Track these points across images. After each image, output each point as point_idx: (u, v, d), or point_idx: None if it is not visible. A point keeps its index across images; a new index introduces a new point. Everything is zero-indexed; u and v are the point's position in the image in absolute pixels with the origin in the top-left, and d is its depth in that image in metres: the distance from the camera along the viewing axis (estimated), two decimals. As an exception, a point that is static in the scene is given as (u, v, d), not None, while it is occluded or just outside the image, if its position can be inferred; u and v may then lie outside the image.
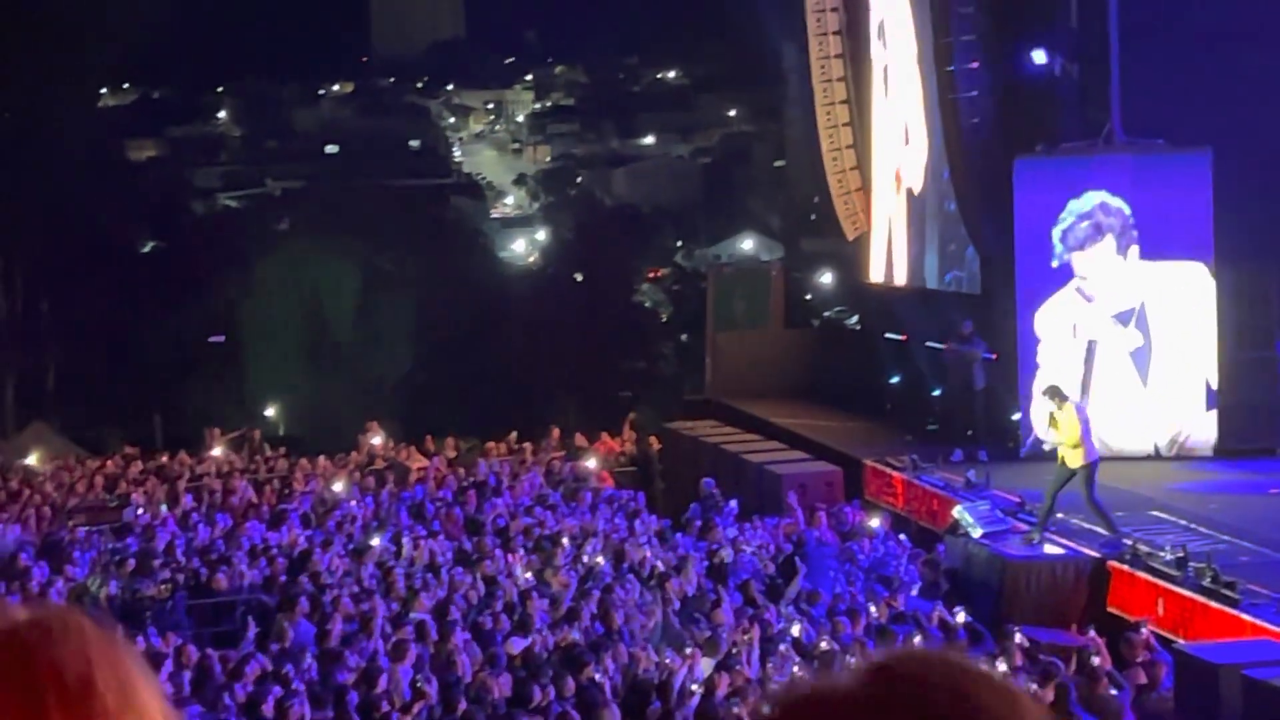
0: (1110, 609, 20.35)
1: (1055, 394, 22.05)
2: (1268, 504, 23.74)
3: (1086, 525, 22.54)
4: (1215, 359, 27.43)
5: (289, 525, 26.31)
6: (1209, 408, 27.42)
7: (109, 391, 60.27)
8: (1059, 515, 23.03)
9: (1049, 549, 21.77)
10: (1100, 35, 28.41)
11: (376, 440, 35.09)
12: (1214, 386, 27.39)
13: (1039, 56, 29.50)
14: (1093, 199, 27.86)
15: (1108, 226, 27.78)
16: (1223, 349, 27.54)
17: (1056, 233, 27.93)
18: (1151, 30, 28.47)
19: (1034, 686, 16.18)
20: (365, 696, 16.51)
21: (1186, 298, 27.55)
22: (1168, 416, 27.58)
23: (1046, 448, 25.49)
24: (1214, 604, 18.43)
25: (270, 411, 66.57)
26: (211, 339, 64.50)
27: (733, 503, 26.54)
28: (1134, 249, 27.78)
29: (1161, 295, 27.67)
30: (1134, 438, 27.30)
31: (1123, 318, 27.84)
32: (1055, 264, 27.95)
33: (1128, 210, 27.78)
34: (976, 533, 22.49)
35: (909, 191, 35.41)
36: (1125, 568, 20.43)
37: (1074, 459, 21.45)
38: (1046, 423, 22.14)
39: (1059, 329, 28.00)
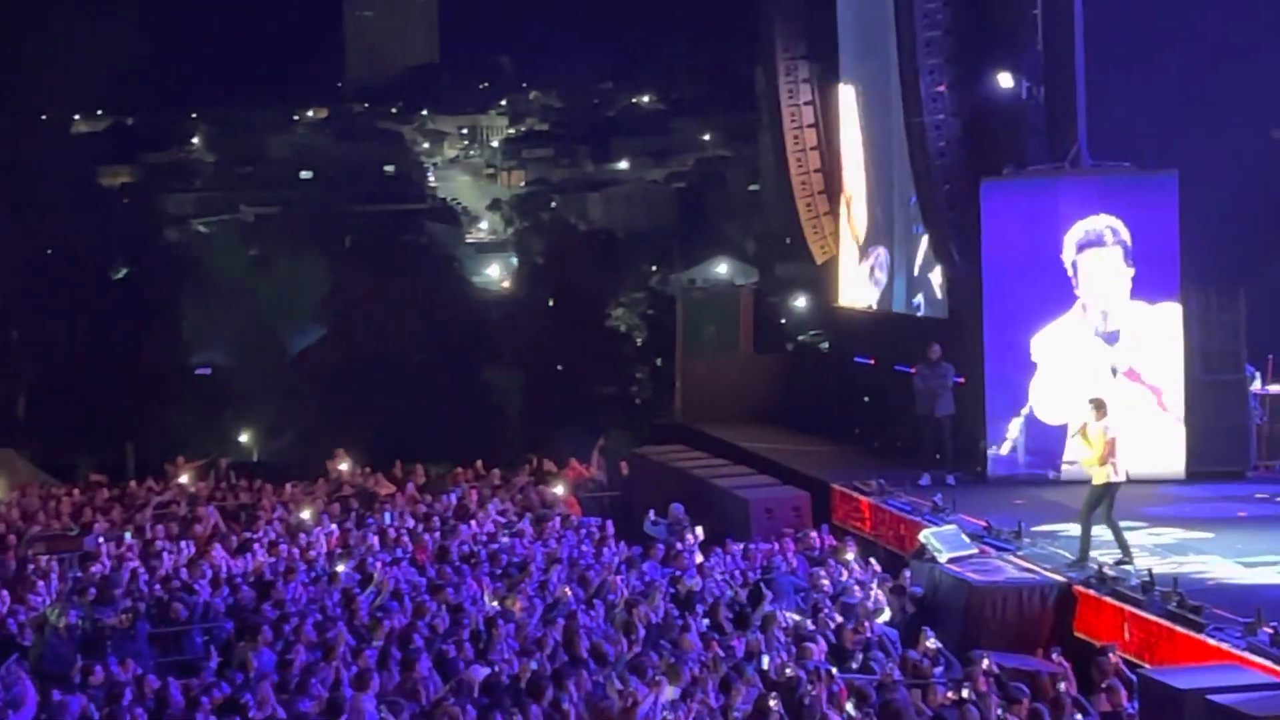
0: (1077, 634, 20.27)
1: (1099, 406, 21.80)
2: (1235, 527, 23.69)
3: (1054, 549, 22.50)
4: (1182, 382, 27.41)
5: (254, 553, 26.17)
6: (1176, 431, 27.37)
7: (80, 419, 59.98)
8: (1028, 539, 23.02)
9: (1015, 574, 21.69)
10: (1066, 58, 28.43)
11: (344, 467, 34.94)
12: (1181, 410, 27.37)
13: (1005, 80, 29.48)
14: (1103, 220, 27.84)
15: (1119, 240, 27.74)
16: (1190, 372, 27.52)
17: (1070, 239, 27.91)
18: (1118, 53, 28.53)
19: (1000, 713, 16.13)
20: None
21: (1153, 327, 27.52)
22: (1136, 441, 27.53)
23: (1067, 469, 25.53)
24: (1180, 628, 18.36)
25: (244, 438, 66.43)
26: (198, 371, 64.32)
27: (698, 530, 26.39)
28: (1129, 273, 27.75)
29: (1133, 322, 27.65)
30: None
31: (1109, 338, 27.84)
32: (1065, 261, 27.86)
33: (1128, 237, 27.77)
34: (943, 557, 22.42)
35: (877, 215, 35.38)
36: (1091, 592, 20.36)
37: (1100, 476, 21.34)
38: (1078, 434, 21.83)
39: (1060, 351, 27.94)
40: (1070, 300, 27.95)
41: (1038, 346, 28.02)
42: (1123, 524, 21.52)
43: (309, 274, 76.40)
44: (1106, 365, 27.54)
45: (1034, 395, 28.03)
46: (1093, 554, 21.39)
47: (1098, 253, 27.83)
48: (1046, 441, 27.63)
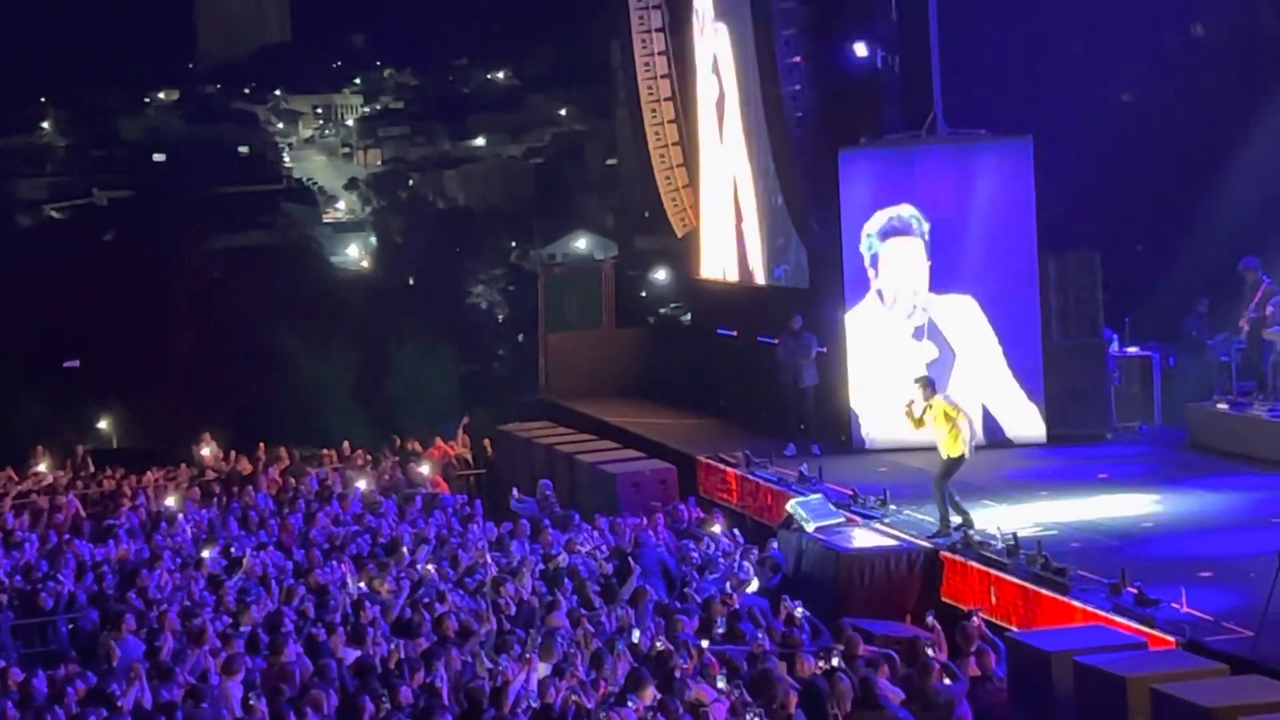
0: (944, 599, 20.40)
1: (926, 385, 21.91)
2: (1096, 489, 23.93)
3: (919, 515, 22.63)
4: (1039, 346, 27.65)
5: (116, 540, 25.85)
6: (1031, 398, 27.61)
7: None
8: (894, 506, 23.15)
9: (881, 541, 21.80)
10: (921, 27, 28.58)
11: (207, 451, 34.61)
12: (1037, 375, 27.61)
13: (861, 49, 29.65)
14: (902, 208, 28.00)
15: (918, 232, 27.91)
16: (1048, 336, 27.76)
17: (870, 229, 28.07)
18: (971, 21, 28.72)
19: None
20: (193, 713, 16.21)
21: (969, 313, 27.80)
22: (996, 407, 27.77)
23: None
24: (1045, 591, 18.52)
25: (103, 424, 65.64)
26: (66, 364, 63.39)
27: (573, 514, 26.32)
28: (927, 265, 27.96)
29: (950, 307, 27.88)
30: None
31: (916, 334, 28.03)
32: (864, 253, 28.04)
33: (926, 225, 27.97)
34: (810, 527, 22.49)
35: (736, 187, 35.42)
36: (957, 557, 20.49)
37: (954, 450, 21.44)
38: (911, 413, 21.87)
39: (864, 338, 28.19)
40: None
41: (852, 321, 28.24)
42: (987, 490, 21.66)
43: (165, 258, 75.52)
44: (922, 363, 27.72)
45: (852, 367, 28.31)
46: (955, 519, 21.51)
47: (898, 241, 28.00)
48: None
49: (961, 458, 21.47)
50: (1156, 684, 14.73)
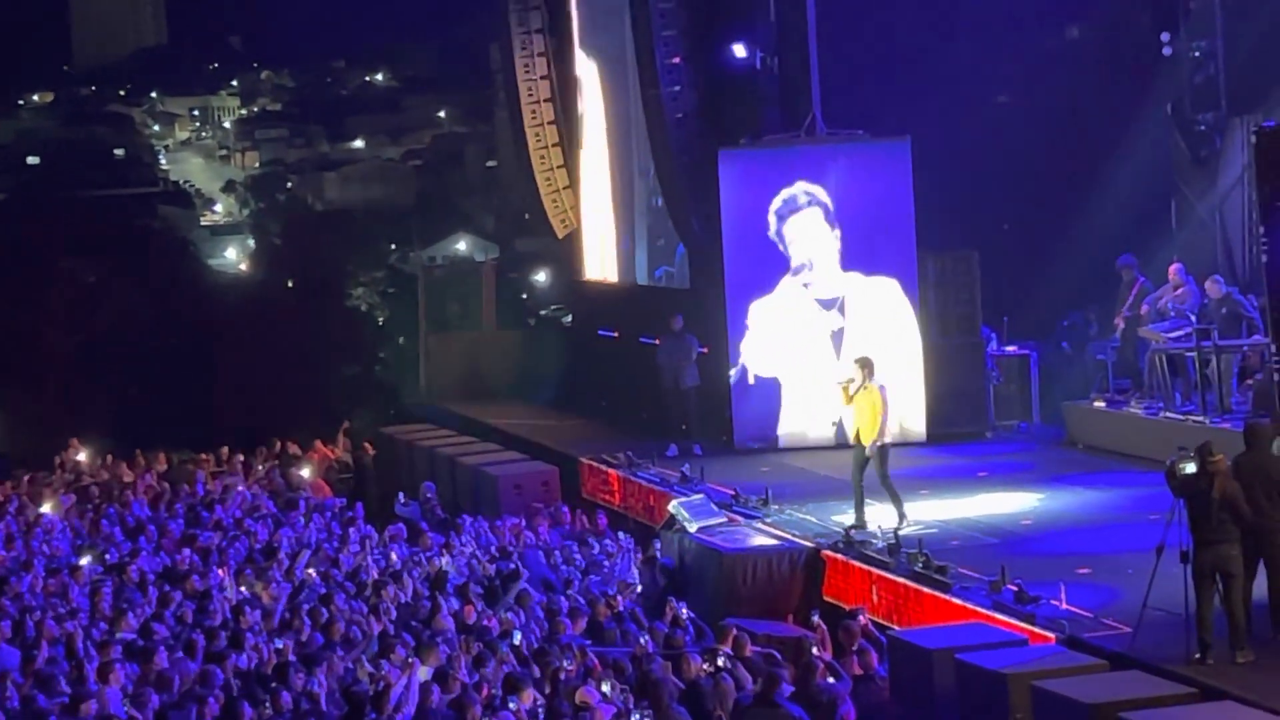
0: (826, 598, 20.45)
1: (866, 365, 21.71)
2: (976, 488, 24.07)
3: (801, 515, 22.69)
4: (920, 345, 27.77)
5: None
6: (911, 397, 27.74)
7: None
8: (776, 506, 23.18)
9: (763, 540, 21.81)
10: (799, 28, 28.71)
11: (81, 457, 34.21)
12: (919, 373, 27.73)
13: (740, 50, 29.74)
14: (801, 186, 28.04)
15: (817, 202, 27.96)
16: (927, 335, 27.90)
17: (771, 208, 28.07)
18: (850, 23, 28.88)
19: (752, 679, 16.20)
20: (71, 722, 16.01)
21: (884, 302, 27.86)
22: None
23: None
24: (926, 589, 18.60)
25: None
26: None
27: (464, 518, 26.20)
28: (838, 235, 27.97)
29: (861, 293, 27.95)
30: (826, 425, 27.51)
31: (826, 304, 28.09)
32: (771, 234, 28.04)
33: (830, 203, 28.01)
34: (692, 527, 22.49)
35: (616, 188, 35.42)
36: (839, 556, 20.54)
37: (868, 437, 21.45)
38: (846, 390, 21.78)
39: (776, 319, 28.17)
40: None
41: (756, 313, 28.24)
42: (867, 488, 21.71)
43: (39, 262, 74.59)
44: (826, 330, 27.84)
45: (747, 360, 28.30)
46: (856, 514, 21.59)
47: (798, 217, 28.05)
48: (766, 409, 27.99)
49: (885, 445, 21.53)
50: (1036, 680, 14.84)
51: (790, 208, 28.02)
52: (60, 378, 64.00)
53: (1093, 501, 22.79)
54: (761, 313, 28.19)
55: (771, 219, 28.01)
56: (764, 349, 28.15)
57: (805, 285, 28.08)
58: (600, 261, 37.11)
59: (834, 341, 27.78)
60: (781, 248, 28.08)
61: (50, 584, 22.63)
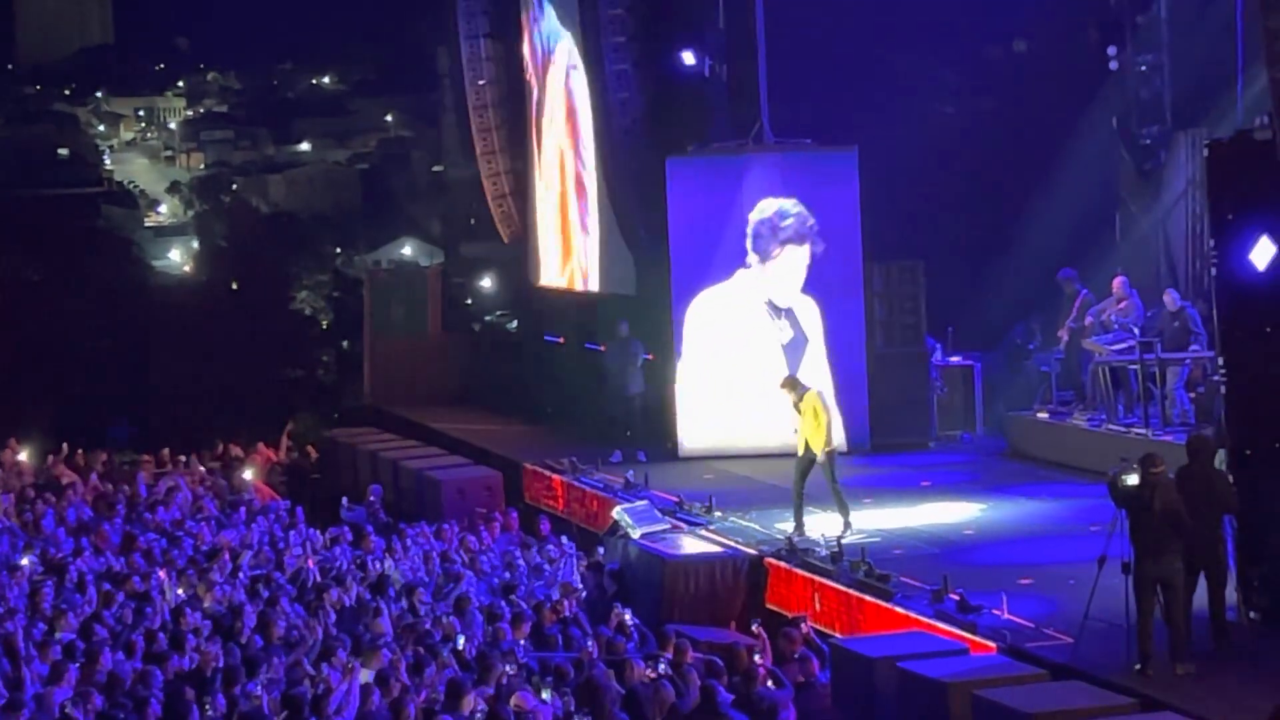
0: (769, 606, 20.47)
1: (793, 386, 21.95)
2: (919, 497, 24.13)
3: (744, 523, 22.71)
4: (864, 354, 27.84)
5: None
6: (855, 406, 27.78)
7: None
8: (719, 513, 23.19)
9: (707, 547, 21.81)
10: (748, 36, 28.76)
11: (21, 458, 34.00)
12: (862, 383, 27.78)
13: (688, 58, 29.80)
14: (773, 205, 28.04)
15: (803, 233, 27.98)
16: (872, 345, 27.97)
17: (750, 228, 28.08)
18: (798, 32, 28.93)
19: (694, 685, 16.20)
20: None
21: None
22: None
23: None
24: (868, 598, 18.63)
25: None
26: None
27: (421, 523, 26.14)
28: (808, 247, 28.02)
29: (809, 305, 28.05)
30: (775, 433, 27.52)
31: (776, 312, 28.13)
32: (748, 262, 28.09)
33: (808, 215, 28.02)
34: (636, 533, 22.47)
35: (564, 194, 35.40)
36: (782, 564, 20.55)
37: (817, 444, 21.47)
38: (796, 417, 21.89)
39: (724, 312, 28.17)
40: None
41: (704, 302, 28.25)
42: (810, 497, 21.76)
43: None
44: (775, 338, 27.88)
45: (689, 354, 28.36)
46: (794, 521, 21.63)
47: (795, 249, 28.06)
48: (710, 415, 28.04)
49: (833, 451, 21.59)
50: (978, 689, 14.87)
51: (792, 236, 27.99)
52: (0, 377, 63.58)
53: (1035, 512, 22.86)
54: (710, 302, 28.19)
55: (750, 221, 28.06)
56: (709, 346, 28.18)
57: (761, 286, 28.10)
58: (549, 267, 37.02)
59: (786, 354, 27.79)
60: (753, 256, 28.09)
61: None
